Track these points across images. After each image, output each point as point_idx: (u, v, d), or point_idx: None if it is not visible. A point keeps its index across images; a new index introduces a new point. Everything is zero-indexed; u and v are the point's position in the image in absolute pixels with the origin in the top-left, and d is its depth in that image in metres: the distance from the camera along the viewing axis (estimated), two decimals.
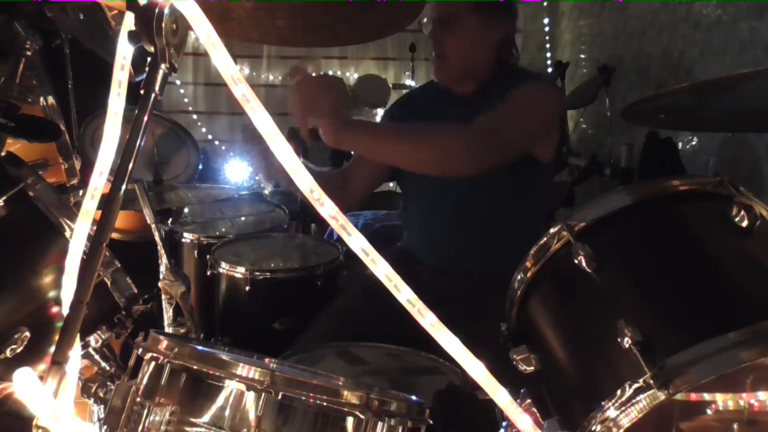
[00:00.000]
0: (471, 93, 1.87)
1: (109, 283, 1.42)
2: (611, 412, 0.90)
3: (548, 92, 1.84)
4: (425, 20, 1.85)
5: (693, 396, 1.09)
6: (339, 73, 5.35)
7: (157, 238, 1.61)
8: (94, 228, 0.85)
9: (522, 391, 1.09)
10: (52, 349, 0.80)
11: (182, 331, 1.55)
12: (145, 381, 0.99)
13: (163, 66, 0.85)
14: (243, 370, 0.94)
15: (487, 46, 1.84)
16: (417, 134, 1.67)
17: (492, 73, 1.86)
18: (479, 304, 1.71)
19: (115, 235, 2.62)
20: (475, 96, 1.86)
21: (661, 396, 0.86)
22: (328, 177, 2.00)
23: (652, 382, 0.87)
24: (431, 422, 1.02)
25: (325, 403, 0.94)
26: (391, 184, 4.53)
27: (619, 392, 0.89)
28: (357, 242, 0.83)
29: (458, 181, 1.85)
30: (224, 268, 2.16)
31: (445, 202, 1.89)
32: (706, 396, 1.10)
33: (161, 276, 1.56)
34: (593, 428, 0.91)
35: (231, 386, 0.95)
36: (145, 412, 0.95)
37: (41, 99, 2.20)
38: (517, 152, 1.74)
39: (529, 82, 1.81)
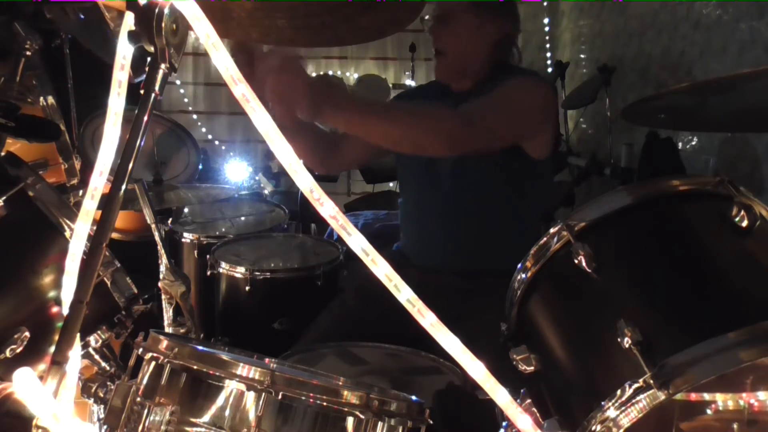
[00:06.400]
0: (467, 90, 1.90)
1: (109, 283, 1.42)
2: (611, 412, 0.90)
3: (536, 86, 1.85)
4: (427, 17, 1.87)
5: (693, 396, 1.09)
6: (339, 73, 5.35)
7: (157, 238, 1.61)
8: (94, 228, 0.85)
9: (522, 391, 1.08)
10: (52, 349, 0.80)
11: (182, 331, 1.56)
12: (145, 381, 0.99)
13: (163, 66, 0.85)
14: (243, 370, 0.95)
15: (483, 43, 1.87)
16: (395, 111, 1.69)
17: (488, 70, 1.88)
18: (470, 303, 1.72)
19: (115, 235, 2.63)
20: (469, 92, 1.87)
21: (661, 396, 0.86)
22: (320, 134, 1.97)
23: (652, 382, 0.87)
24: (431, 422, 1.02)
25: (325, 403, 0.94)
26: (391, 184, 4.54)
27: (619, 392, 0.89)
28: (357, 242, 0.83)
29: (449, 178, 1.86)
30: (224, 268, 2.16)
31: (435, 199, 1.91)
32: (706, 396, 1.10)
33: (161, 276, 1.56)
34: (593, 428, 0.91)
35: (231, 386, 0.95)
36: (145, 412, 0.95)
37: (41, 99, 2.20)
38: (499, 141, 1.75)
39: (518, 77, 1.83)
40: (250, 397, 0.94)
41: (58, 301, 1.31)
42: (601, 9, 4.18)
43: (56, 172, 2.30)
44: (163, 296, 1.60)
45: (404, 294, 0.84)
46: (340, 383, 1.20)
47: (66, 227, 1.35)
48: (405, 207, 2.05)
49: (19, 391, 0.75)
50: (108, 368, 1.45)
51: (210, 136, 5.33)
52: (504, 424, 1.07)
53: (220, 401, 0.95)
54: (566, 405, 1.01)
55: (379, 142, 1.76)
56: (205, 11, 0.84)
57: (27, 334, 1.27)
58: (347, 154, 2.01)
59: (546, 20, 4.84)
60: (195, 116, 5.29)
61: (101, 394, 1.09)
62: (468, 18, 1.84)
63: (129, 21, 0.86)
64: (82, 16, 1.93)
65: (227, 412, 0.94)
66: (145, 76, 0.86)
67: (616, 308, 0.96)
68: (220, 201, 2.81)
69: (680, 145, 3.14)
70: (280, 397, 0.93)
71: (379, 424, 0.96)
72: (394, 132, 1.65)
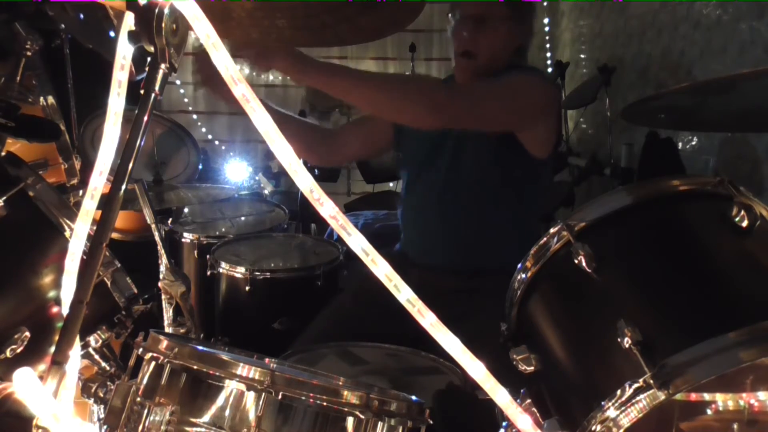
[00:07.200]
0: None
1: (109, 283, 1.42)
2: (611, 412, 0.90)
3: (537, 80, 1.84)
4: (450, 15, 1.84)
5: (693, 396, 1.09)
6: None
7: (157, 238, 1.61)
8: (94, 228, 0.85)
9: (522, 391, 1.08)
10: (52, 349, 0.80)
11: (182, 331, 1.55)
12: (145, 381, 0.99)
13: (163, 66, 0.85)
14: (243, 370, 0.95)
15: (511, 47, 1.84)
16: (382, 76, 1.68)
17: (499, 71, 1.87)
18: (470, 303, 1.72)
19: (115, 235, 2.63)
20: None
21: (661, 396, 0.86)
22: (310, 128, 1.95)
23: (652, 382, 0.87)
24: (431, 422, 1.02)
25: (325, 403, 0.94)
26: (391, 184, 4.54)
27: (619, 392, 0.89)
28: (357, 242, 0.83)
29: (448, 177, 1.86)
30: (224, 268, 2.16)
31: (435, 199, 1.91)
32: (706, 396, 1.10)
33: (161, 276, 1.56)
34: (593, 428, 0.91)
35: (231, 386, 0.95)
36: (145, 412, 0.95)
37: (41, 99, 2.21)
38: (486, 121, 1.72)
39: (521, 70, 1.82)
40: (250, 397, 0.94)
41: (58, 301, 1.31)
42: (601, 9, 4.18)
43: (56, 172, 2.30)
44: (163, 296, 1.60)
45: (404, 294, 0.84)
46: (340, 383, 1.20)
47: (66, 227, 1.35)
48: (405, 206, 2.05)
49: (19, 391, 0.75)
50: (108, 368, 1.45)
51: (210, 136, 5.33)
52: (504, 424, 1.07)
53: (220, 401, 0.95)
54: (566, 405, 1.01)
55: (360, 102, 1.73)
56: (205, 11, 0.84)
57: (27, 334, 1.27)
58: (341, 148, 2.00)
59: (546, 20, 4.84)
60: (195, 116, 5.28)
61: (101, 394, 1.09)
62: (506, 22, 1.79)
63: (129, 21, 0.86)
64: (81, 16, 1.94)
65: (227, 412, 0.94)
66: (145, 76, 0.86)
67: (616, 308, 0.96)
68: (220, 201, 2.81)
69: (680, 145, 3.14)
70: (280, 397, 0.93)
71: (379, 424, 0.96)
72: (375, 93, 1.63)
